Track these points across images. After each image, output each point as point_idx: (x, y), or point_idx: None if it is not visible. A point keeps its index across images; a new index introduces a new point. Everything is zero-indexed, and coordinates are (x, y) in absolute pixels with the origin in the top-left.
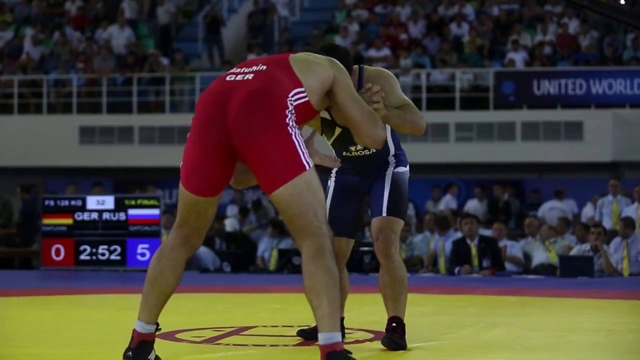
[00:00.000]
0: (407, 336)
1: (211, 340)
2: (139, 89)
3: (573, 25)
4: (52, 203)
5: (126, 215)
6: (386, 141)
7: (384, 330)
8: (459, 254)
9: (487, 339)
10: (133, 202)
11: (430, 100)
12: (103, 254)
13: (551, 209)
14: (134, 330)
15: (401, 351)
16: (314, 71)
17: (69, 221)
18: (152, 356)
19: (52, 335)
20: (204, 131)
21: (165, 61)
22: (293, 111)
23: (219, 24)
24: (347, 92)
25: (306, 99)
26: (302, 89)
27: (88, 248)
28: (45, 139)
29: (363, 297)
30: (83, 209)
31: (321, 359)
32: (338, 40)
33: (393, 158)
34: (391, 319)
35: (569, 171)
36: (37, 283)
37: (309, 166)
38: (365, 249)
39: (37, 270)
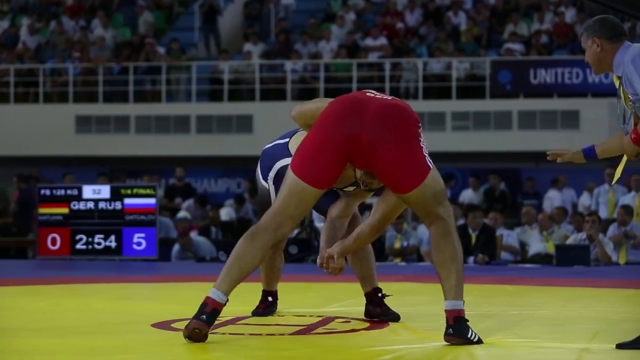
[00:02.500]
0: (404, 325)
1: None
2: (135, 78)
3: (570, 14)
4: (48, 192)
5: (122, 204)
6: None
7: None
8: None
9: (483, 327)
10: (129, 192)
11: (427, 89)
12: (99, 243)
13: (551, 198)
14: (208, 298)
15: (394, 340)
16: None
17: (65, 210)
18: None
19: (48, 324)
20: (335, 124)
21: (161, 50)
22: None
23: (216, 13)
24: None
25: None
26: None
27: (84, 237)
28: (41, 129)
29: (359, 286)
30: (79, 198)
31: (448, 322)
32: (335, 29)
33: None
34: (375, 290)
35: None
36: (33, 272)
37: (432, 165)
38: None
39: (33, 260)
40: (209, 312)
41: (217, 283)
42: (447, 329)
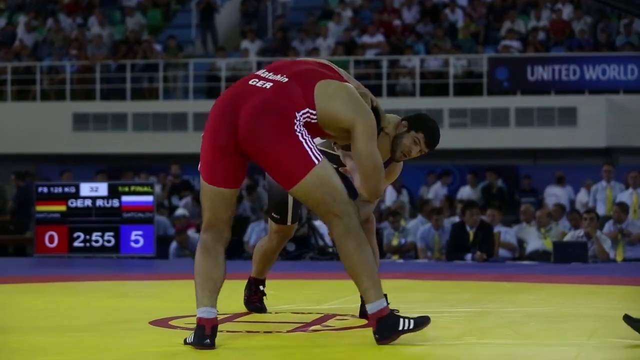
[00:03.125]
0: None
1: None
2: (133, 75)
3: (567, 11)
4: (45, 190)
5: (120, 202)
6: None
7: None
8: (458, 239)
9: (481, 325)
10: (127, 189)
11: (424, 86)
12: (97, 241)
13: (557, 195)
14: (201, 319)
15: (395, 338)
16: (333, 104)
17: (63, 208)
18: None
19: (46, 322)
20: (214, 133)
21: (158, 47)
22: (302, 122)
23: (213, 10)
24: (361, 144)
25: (315, 121)
26: (314, 112)
27: (82, 235)
28: (39, 126)
29: None
30: (76, 195)
31: (372, 327)
32: (332, 26)
33: None
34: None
35: (563, 157)
36: (30, 270)
37: (318, 161)
38: None
39: (30, 257)
40: (210, 334)
41: (198, 302)
42: (374, 334)
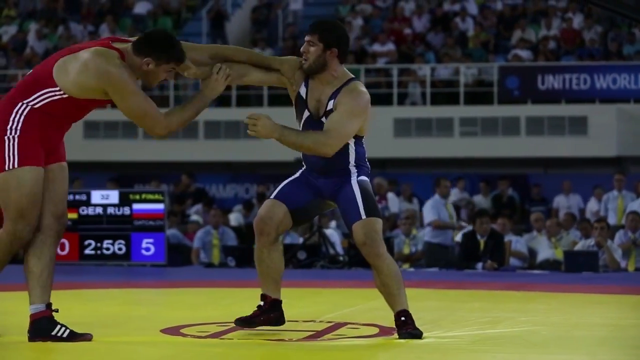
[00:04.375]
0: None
1: (216, 335)
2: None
3: (577, 20)
4: None
5: (131, 209)
6: (347, 148)
7: (395, 327)
8: (468, 248)
9: (492, 334)
10: (137, 197)
11: (435, 95)
12: (108, 249)
13: (562, 204)
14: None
15: (404, 347)
16: (68, 73)
17: (74, 215)
18: None
19: None
20: None
21: None
22: (20, 117)
23: (223, 18)
24: (118, 99)
25: (61, 95)
26: (55, 89)
27: (93, 242)
28: None
29: (368, 292)
30: (88, 203)
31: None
32: None
33: (354, 168)
34: (398, 314)
35: (573, 166)
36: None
37: (9, 169)
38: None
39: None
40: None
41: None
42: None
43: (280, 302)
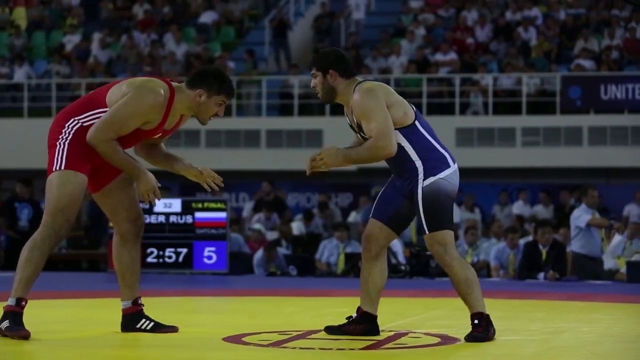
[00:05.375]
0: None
1: (278, 344)
2: None
3: None
4: None
5: (193, 218)
6: (399, 144)
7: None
8: (530, 258)
9: (555, 344)
10: (200, 205)
11: (497, 105)
12: (170, 257)
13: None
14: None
15: (465, 357)
16: (117, 94)
17: None
18: None
19: (120, 337)
20: None
21: (231, 64)
22: (71, 130)
23: (286, 27)
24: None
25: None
26: (106, 109)
27: (155, 251)
28: None
29: (429, 301)
30: (150, 211)
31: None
32: (405, 44)
33: (420, 163)
34: (472, 317)
35: (636, 176)
36: (104, 285)
37: (59, 169)
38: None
39: (104, 273)
40: None
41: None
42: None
43: (372, 315)
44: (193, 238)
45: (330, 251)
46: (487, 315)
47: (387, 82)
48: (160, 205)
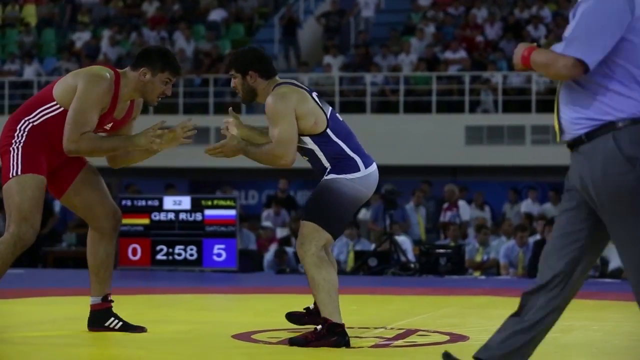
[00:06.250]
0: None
1: (287, 342)
2: (216, 90)
3: None
4: (129, 203)
5: (202, 215)
6: (314, 152)
7: (464, 335)
8: (539, 256)
9: (565, 342)
10: (209, 203)
11: (507, 103)
12: (179, 254)
13: None
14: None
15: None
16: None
17: (146, 221)
18: None
19: (130, 334)
20: None
21: None
22: (23, 132)
23: (295, 25)
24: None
25: (57, 110)
26: (53, 103)
27: (164, 248)
28: None
29: (439, 299)
30: (160, 209)
31: None
32: (414, 41)
33: (329, 164)
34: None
35: None
36: (114, 282)
37: (13, 176)
38: (441, 251)
39: (114, 270)
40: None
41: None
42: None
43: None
44: (202, 235)
45: (339, 249)
46: (334, 325)
47: (397, 80)
48: (169, 202)
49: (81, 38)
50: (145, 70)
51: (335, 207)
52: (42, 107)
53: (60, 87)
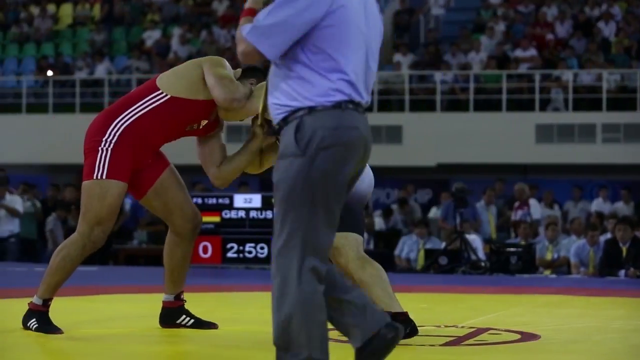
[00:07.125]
0: (555, 339)
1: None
2: None
3: None
4: (199, 201)
5: (273, 213)
6: None
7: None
8: (610, 255)
9: (635, 342)
10: None
11: (577, 101)
12: (250, 252)
13: None
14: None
15: (546, 352)
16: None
17: (217, 219)
18: None
19: (201, 332)
20: None
21: None
22: (116, 132)
23: None
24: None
25: (164, 98)
26: (158, 92)
27: (235, 246)
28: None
29: (510, 297)
30: (230, 207)
31: None
32: (484, 39)
33: None
34: None
35: None
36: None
37: (95, 178)
38: (512, 249)
39: None
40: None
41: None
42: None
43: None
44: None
45: (410, 247)
46: (396, 315)
47: (467, 78)
48: (240, 200)
49: (151, 37)
50: (254, 81)
51: (345, 211)
52: (142, 99)
53: (166, 78)
